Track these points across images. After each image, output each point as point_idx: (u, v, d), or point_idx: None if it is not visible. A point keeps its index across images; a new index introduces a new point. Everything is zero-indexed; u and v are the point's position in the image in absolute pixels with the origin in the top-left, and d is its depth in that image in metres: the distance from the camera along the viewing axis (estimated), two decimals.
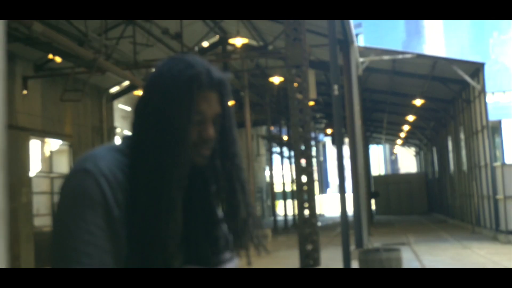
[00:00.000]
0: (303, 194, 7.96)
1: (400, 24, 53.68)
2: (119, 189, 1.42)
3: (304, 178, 7.94)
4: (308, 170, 7.94)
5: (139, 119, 1.52)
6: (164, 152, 1.45)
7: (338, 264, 12.36)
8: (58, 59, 13.94)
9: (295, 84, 8.41)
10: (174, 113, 1.46)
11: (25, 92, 15.27)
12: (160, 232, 1.43)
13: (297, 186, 8.08)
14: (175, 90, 1.47)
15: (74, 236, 1.36)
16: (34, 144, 16.14)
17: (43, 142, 16.82)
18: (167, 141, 1.45)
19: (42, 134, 16.19)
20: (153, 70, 1.56)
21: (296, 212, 10.74)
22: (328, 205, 51.73)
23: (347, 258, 11.39)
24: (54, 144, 17.36)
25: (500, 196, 19.01)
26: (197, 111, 1.48)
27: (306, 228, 7.96)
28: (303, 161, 7.94)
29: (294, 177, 7.78)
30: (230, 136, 1.60)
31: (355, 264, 11.63)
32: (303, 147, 7.89)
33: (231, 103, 1.60)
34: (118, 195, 1.42)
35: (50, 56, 14.39)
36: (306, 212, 8.09)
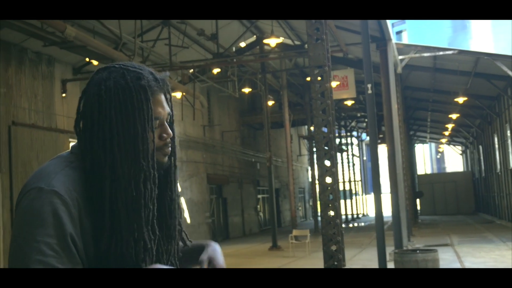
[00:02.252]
0: (328, 195, 7.84)
1: (445, 20, 52.48)
2: (74, 205, 1.44)
3: (328, 179, 7.82)
4: (332, 171, 7.81)
5: (92, 131, 1.51)
6: (129, 165, 1.49)
7: (374, 265, 12.15)
8: (94, 62, 14.17)
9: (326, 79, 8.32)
10: (133, 125, 1.50)
11: (64, 95, 15.59)
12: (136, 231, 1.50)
13: (320, 186, 7.96)
14: (131, 103, 1.50)
15: (26, 256, 1.38)
16: None
17: None
18: (129, 154, 1.49)
19: None
20: (95, 82, 1.54)
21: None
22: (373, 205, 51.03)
23: (382, 258, 11.19)
24: None
25: None
26: (155, 116, 1.54)
27: (330, 229, 7.83)
28: (327, 162, 7.83)
29: (317, 177, 7.69)
30: (174, 133, 1.64)
31: (391, 265, 11.41)
32: (326, 148, 7.78)
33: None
34: (72, 211, 1.43)
35: (87, 59, 14.65)
36: (332, 213, 7.96)
